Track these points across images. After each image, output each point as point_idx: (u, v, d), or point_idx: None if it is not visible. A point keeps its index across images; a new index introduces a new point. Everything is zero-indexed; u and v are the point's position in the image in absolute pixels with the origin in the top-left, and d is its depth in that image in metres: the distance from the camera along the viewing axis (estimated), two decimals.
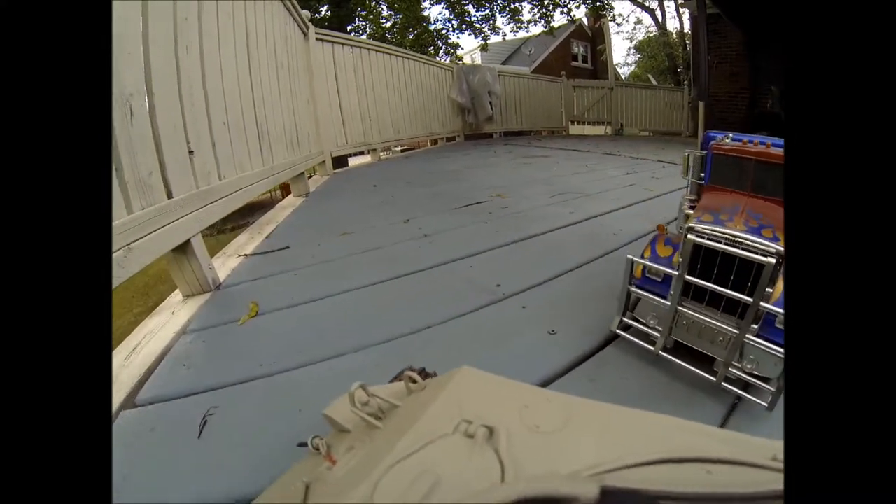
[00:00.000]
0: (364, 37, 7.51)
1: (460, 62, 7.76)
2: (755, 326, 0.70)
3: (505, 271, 1.33)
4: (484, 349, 0.93)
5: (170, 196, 1.14)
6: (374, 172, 3.57)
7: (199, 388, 0.81)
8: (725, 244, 0.70)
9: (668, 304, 0.78)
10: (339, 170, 3.82)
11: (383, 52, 4.50)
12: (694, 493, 0.21)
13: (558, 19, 8.89)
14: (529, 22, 8.96)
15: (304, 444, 0.42)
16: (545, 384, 0.81)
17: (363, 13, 8.04)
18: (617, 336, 0.90)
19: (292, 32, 2.89)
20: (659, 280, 0.83)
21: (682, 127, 7.20)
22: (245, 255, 1.59)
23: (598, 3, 8.65)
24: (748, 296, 0.68)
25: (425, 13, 8.52)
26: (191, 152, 1.30)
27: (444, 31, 8.86)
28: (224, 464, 0.64)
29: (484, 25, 8.77)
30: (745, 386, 0.74)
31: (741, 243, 0.69)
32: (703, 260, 0.73)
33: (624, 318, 0.88)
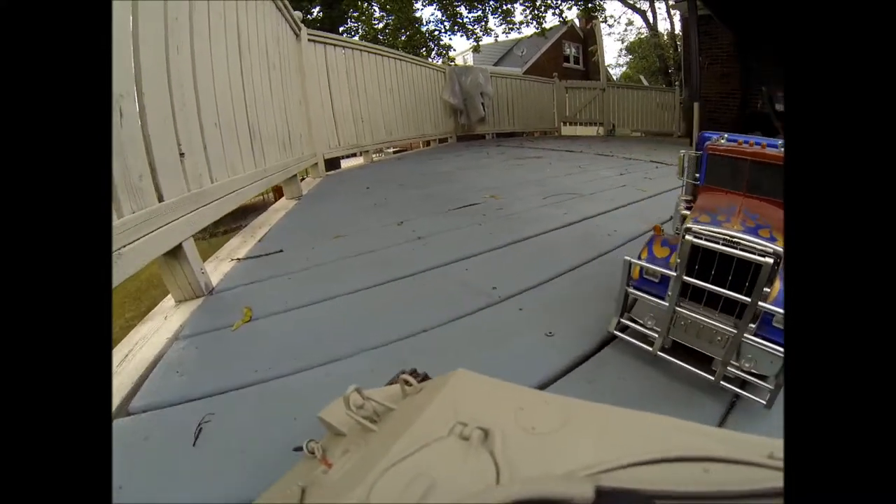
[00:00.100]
0: (356, 38, 7.48)
1: (452, 63, 7.77)
2: (753, 326, 0.71)
3: (500, 273, 1.32)
4: (481, 352, 0.92)
5: (161, 199, 1.12)
6: (367, 174, 3.55)
7: (194, 395, 0.80)
8: (723, 244, 0.70)
9: (666, 304, 0.78)
10: (332, 172, 3.80)
11: (375, 54, 4.49)
12: (690, 492, 0.21)
13: (550, 21, 8.92)
14: (521, 23, 9.00)
15: (299, 449, 0.42)
16: (544, 386, 0.81)
17: (355, 14, 8.02)
18: (615, 337, 0.90)
19: (284, 33, 2.87)
20: (656, 281, 0.83)
21: (674, 127, 7.26)
22: (238, 258, 1.57)
23: (589, 5, 8.70)
24: (746, 295, 0.69)
25: (417, 14, 8.52)
26: (182, 154, 1.28)
27: (436, 33, 8.86)
28: (220, 472, 0.63)
29: (476, 27, 8.78)
30: (743, 384, 0.74)
31: (739, 243, 0.69)
32: (701, 260, 0.73)
33: (621, 320, 0.88)
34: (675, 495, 0.21)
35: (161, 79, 1.21)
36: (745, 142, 0.90)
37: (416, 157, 4.77)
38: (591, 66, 13.90)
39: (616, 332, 0.89)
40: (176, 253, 1.16)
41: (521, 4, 8.66)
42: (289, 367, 0.87)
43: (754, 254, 0.67)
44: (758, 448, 0.24)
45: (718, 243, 0.71)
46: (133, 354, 0.95)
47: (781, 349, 0.68)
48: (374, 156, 4.58)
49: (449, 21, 8.64)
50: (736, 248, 0.69)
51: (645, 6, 13.04)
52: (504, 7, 8.65)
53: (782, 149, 0.85)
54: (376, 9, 8.29)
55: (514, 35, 9.49)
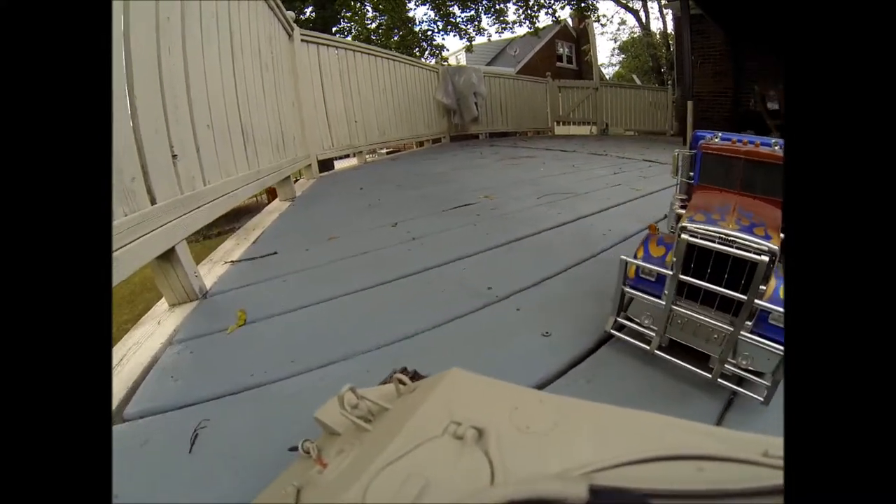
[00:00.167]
0: (349, 38, 7.46)
1: (445, 63, 7.76)
2: (749, 323, 0.71)
3: (496, 274, 1.32)
4: (479, 353, 0.92)
5: (153, 202, 1.11)
6: (361, 175, 3.54)
7: (189, 400, 0.79)
8: (719, 243, 0.71)
9: (663, 303, 0.79)
10: (325, 173, 3.79)
11: (368, 54, 4.47)
12: (684, 490, 0.21)
13: (543, 20, 8.96)
14: (514, 23, 9.03)
15: (294, 449, 0.42)
16: (542, 387, 0.81)
17: (348, 14, 7.99)
18: (611, 336, 0.90)
19: (277, 33, 2.85)
20: (652, 280, 0.83)
21: (667, 126, 7.30)
22: (232, 261, 1.56)
23: (582, 4, 8.73)
24: (741, 293, 0.69)
25: (410, 14, 8.51)
26: (174, 156, 1.27)
27: (429, 33, 8.86)
28: (218, 479, 0.62)
29: (469, 26, 8.79)
30: (739, 381, 0.75)
31: (734, 242, 0.70)
32: (697, 259, 0.74)
33: (618, 319, 0.89)
34: (669, 494, 0.21)
35: (153, 80, 1.20)
36: (739, 140, 0.91)
37: (409, 158, 4.76)
38: (584, 65, 13.97)
39: (613, 332, 0.89)
40: (169, 256, 1.15)
41: (514, 4, 8.70)
42: (285, 370, 0.87)
43: (750, 252, 0.67)
44: (753, 446, 0.23)
45: (714, 242, 0.71)
46: (127, 359, 0.94)
47: (777, 346, 0.69)
48: (367, 157, 4.56)
49: (442, 21, 8.65)
50: (731, 247, 0.69)
51: (637, 5, 13.13)
52: (497, 6, 8.66)
53: (776, 147, 0.85)
54: (369, 9, 8.27)
55: (507, 35, 9.50)
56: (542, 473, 0.25)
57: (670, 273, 0.76)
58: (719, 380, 0.75)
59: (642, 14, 13.46)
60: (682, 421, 0.27)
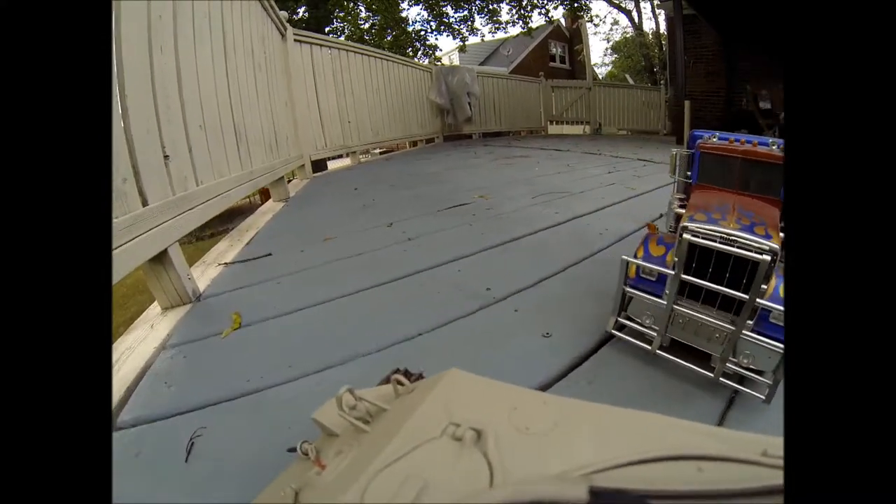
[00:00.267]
0: (342, 38, 7.43)
1: (439, 63, 7.76)
2: (750, 322, 0.71)
3: (493, 274, 1.31)
4: (479, 355, 0.91)
5: (145, 203, 1.09)
6: (354, 176, 3.52)
7: (184, 407, 0.77)
8: (720, 242, 0.71)
9: (664, 303, 0.79)
10: (319, 173, 3.77)
11: (362, 54, 4.46)
12: (684, 491, 0.21)
13: (536, 20, 8.98)
14: (507, 23, 9.03)
15: (293, 450, 0.42)
16: (544, 389, 0.80)
17: (341, 14, 7.96)
18: (612, 336, 0.90)
19: (270, 33, 2.83)
20: (653, 279, 0.83)
21: (660, 126, 7.34)
22: (225, 263, 1.54)
23: (575, 4, 8.76)
24: (742, 292, 0.70)
25: (403, 14, 8.49)
26: (166, 157, 1.24)
27: (422, 33, 8.84)
28: (216, 490, 0.61)
29: (462, 26, 8.79)
30: (740, 380, 0.75)
31: (735, 241, 0.70)
32: (698, 258, 0.74)
33: (619, 319, 0.88)
34: (668, 495, 0.20)
35: (144, 80, 1.18)
36: (737, 140, 0.91)
37: (403, 158, 4.75)
38: (576, 65, 14.02)
39: (614, 332, 0.89)
40: (161, 258, 1.13)
41: (507, 4, 8.71)
42: (282, 375, 0.85)
43: (751, 251, 0.68)
44: (752, 446, 0.23)
45: (715, 241, 0.71)
46: (120, 365, 0.91)
47: (778, 345, 0.70)
48: (361, 157, 4.54)
49: (435, 21, 8.64)
50: (733, 246, 0.69)
51: (630, 6, 13.19)
52: (490, 7, 8.67)
53: (774, 147, 0.86)
54: (362, 9, 8.25)
55: (500, 35, 9.53)
56: (542, 475, 0.25)
57: (672, 273, 0.76)
58: (721, 379, 0.76)
59: (635, 14, 13.54)
60: (681, 421, 0.27)
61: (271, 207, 2.51)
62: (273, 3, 2.80)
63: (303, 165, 3.41)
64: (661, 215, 1.92)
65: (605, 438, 0.27)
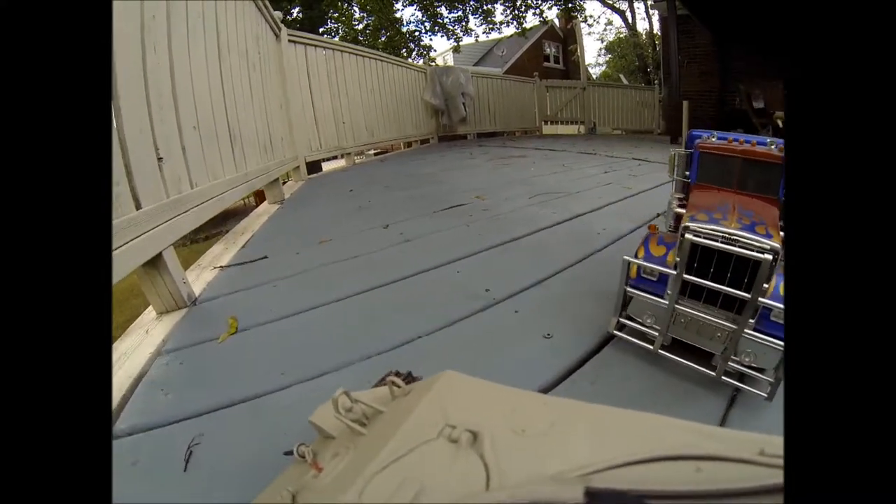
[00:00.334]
0: (336, 39, 7.41)
1: (433, 64, 7.75)
2: (752, 321, 0.72)
3: (492, 275, 1.30)
4: (479, 357, 0.90)
5: (138, 207, 1.07)
6: (350, 177, 3.50)
7: (181, 415, 0.75)
8: (722, 242, 0.71)
9: (666, 302, 0.79)
10: (314, 175, 3.75)
11: (356, 54, 4.44)
12: (681, 491, 0.20)
13: (530, 20, 8.99)
14: (502, 23, 9.06)
15: (289, 453, 0.42)
16: (546, 391, 0.79)
17: (335, 15, 7.94)
18: (613, 336, 0.90)
19: (264, 33, 2.81)
20: (654, 279, 0.84)
21: (654, 125, 7.38)
22: (221, 266, 1.52)
23: (569, 5, 8.79)
24: (744, 291, 0.70)
25: (397, 15, 8.48)
26: (160, 159, 1.23)
27: (416, 33, 8.84)
28: (215, 498, 0.59)
29: (456, 27, 8.80)
30: (741, 378, 0.76)
31: (737, 241, 0.70)
32: (699, 258, 0.74)
33: (620, 319, 0.88)
34: (666, 495, 0.20)
35: (137, 80, 1.16)
36: (735, 140, 0.92)
37: (398, 159, 4.74)
38: (570, 65, 14.05)
39: (616, 332, 0.89)
40: (156, 262, 1.11)
41: (501, 4, 8.72)
42: (280, 381, 0.84)
43: (753, 251, 0.68)
44: (749, 445, 0.23)
45: (717, 241, 0.71)
46: (115, 372, 0.90)
47: (779, 343, 0.70)
48: (355, 158, 4.53)
49: (429, 21, 8.64)
50: (735, 246, 0.70)
51: (624, 6, 13.23)
52: (484, 7, 8.68)
53: (772, 147, 0.87)
54: (356, 10, 8.23)
55: (494, 35, 9.54)
56: (538, 476, 0.25)
57: (674, 273, 0.77)
58: (723, 377, 0.76)
59: (629, 14, 13.59)
60: (678, 421, 0.27)
61: (266, 209, 2.49)
62: (267, 4, 2.78)
63: (297, 167, 3.39)
64: (658, 214, 1.92)
65: (602, 439, 0.27)
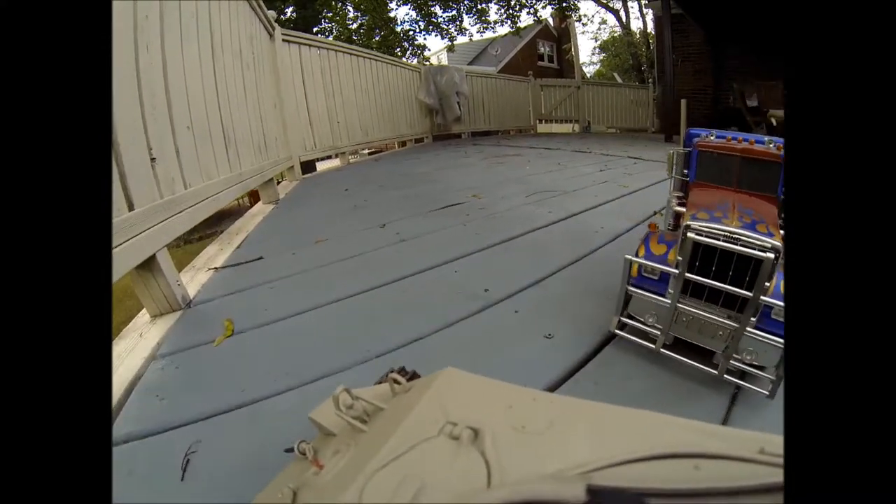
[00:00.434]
0: (330, 38, 7.38)
1: (427, 63, 7.73)
2: (753, 319, 0.72)
3: (491, 275, 1.29)
4: (481, 358, 0.90)
5: (131, 208, 1.05)
6: (344, 176, 3.48)
7: (177, 421, 0.74)
8: (724, 241, 0.71)
9: (668, 301, 0.79)
10: (308, 175, 3.72)
11: (350, 54, 4.42)
12: (681, 489, 0.21)
13: (524, 20, 9.00)
14: (496, 22, 9.04)
15: (290, 450, 0.42)
16: (549, 391, 0.78)
17: (329, 14, 7.90)
18: (614, 336, 0.90)
19: (258, 33, 2.78)
20: (655, 278, 0.84)
21: (648, 123, 7.41)
22: (216, 267, 1.50)
23: (563, 4, 8.79)
24: (746, 290, 0.70)
25: (392, 14, 8.46)
26: (153, 159, 1.20)
27: (410, 33, 8.82)
28: None
29: (450, 26, 8.78)
30: (742, 376, 0.76)
31: (739, 240, 0.70)
32: (701, 257, 0.74)
33: (621, 318, 0.88)
34: (666, 493, 0.20)
35: (130, 79, 1.14)
36: (734, 138, 0.93)
37: (392, 158, 4.72)
38: (564, 64, 14.09)
39: (618, 332, 0.89)
40: (149, 264, 1.09)
41: (495, 4, 8.72)
42: (279, 384, 0.82)
43: (755, 249, 0.68)
44: (749, 443, 0.23)
45: (719, 240, 0.71)
46: None
47: (781, 341, 0.70)
48: (350, 158, 4.51)
49: (423, 20, 8.62)
50: (737, 244, 0.70)
51: (618, 5, 13.32)
52: (479, 6, 8.67)
53: (770, 145, 0.88)
54: (350, 9, 8.20)
55: (488, 34, 9.54)
56: (539, 474, 0.25)
57: (676, 272, 0.77)
58: (725, 375, 0.76)
59: (622, 13, 13.66)
60: (678, 419, 0.27)
61: (261, 209, 2.47)
62: (261, 3, 2.75)
63: (292, 167, 3.37)
64: (655, 212, 1.92)
65: (603, 437, 0.27)
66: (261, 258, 1.57)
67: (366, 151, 5.59)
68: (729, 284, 0.72)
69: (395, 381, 0.42)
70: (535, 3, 8.74)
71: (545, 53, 14.63)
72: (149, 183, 1.17)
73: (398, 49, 8.53)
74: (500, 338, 0.96)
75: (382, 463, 0.28)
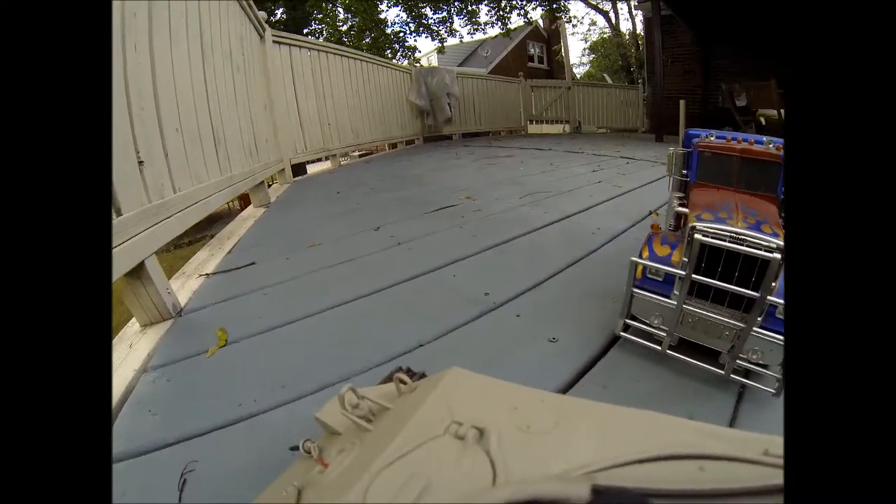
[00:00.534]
0: (321, 40, 7.33)
1: (418, 65, 7.72)
2: (759, 319, 0.72)
3: (490, 278, 1.28)
4: (485, 364, 0.88)
5: (118, 213, 1.01)
6: (336, 179, 3.45)
7: (171, 438, 0.70)
8: (730, 242, 0.71)
9: (674, 303, 0.79)
10: (299, 177, 3.68)
11: (341, 55, 4.38)
12: (686, 490, 0.21)
13: (515, 21, 9.02)
14: (486, 24, 9.07)
15: (295, 448, 0.42)
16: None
17: (319, 16, 7.85)
18: (617, 338, 0.89)
19: (248, 34, 2.74)
20: (660, 280, 0.84)
21: (638, 123, 7.47)
22: (207, 274, 1.46)
23: (554, 6, 8.83)
24: (752, 290, 0.71)
25: (382, 16, 8.43)
26: (141, 163, 1.16)
27: (401, 34, 8.80)
28: None
29: (441, 28, 8.77)
30: (746, 374, 0.77)
31: (745, 240, 0.70)
32: (707, 257, 0.74)
33: (626, 320, 0.88)
34: (670, 493, 0.21)
35: (117, 79, 1.10)
36: (734, 139, 0.93)
37: (384, 160, 4.68)
38: (554, 65, 14.17)
39: (624, 334, 0.88)
40: (138, 271, 1.05)
41: (486, 5, 8.72)
42: (276, 397, 0.79)
43: (761, 250, 0.68)
44: (753, 445, 0.23)
45: (726, 241, 0.71)
46: None
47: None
48: (341, 160, 4.47)
49: (414, 22, 8.60)
50: (743, 245, 0.70)
51: (607, 7, 13.40)
52: (469, 8, 8.67)
53: (769, 145, 0.88)
54: (341, 10, 8.16)
55: (478, 36, 9.55)
56: (544, 473, 0.25)
57: (682, 273, 0.77)
58: (731, 375, 0.77)
59: (612, 15, 13.76)
60: (683, 420, 0.27)
61: (252, 213, 2.42)
62: (251, 3, 2.71)
63: (283, 169, 3.32)
64: (651, 212, 1.92)
65: (607, 437, 0.28)
66: (253, 264, 1.53)
67: (356, 153, 5.55)
68: (734, 285, 0.72)
69: (401, 381, 0.42)
70: (526, 5, 8.78)
71: (535, 55, 14.69)
72: (136, 187, 1.13)
73: (388, 50, 8.50)
74: (504, 343, 0.94)
75: (388, 462, 0.28)
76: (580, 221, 1.84)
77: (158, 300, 1.10)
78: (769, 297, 0.69)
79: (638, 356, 0.87)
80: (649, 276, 0.84)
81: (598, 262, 1.37)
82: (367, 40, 8.22)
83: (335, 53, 4.28)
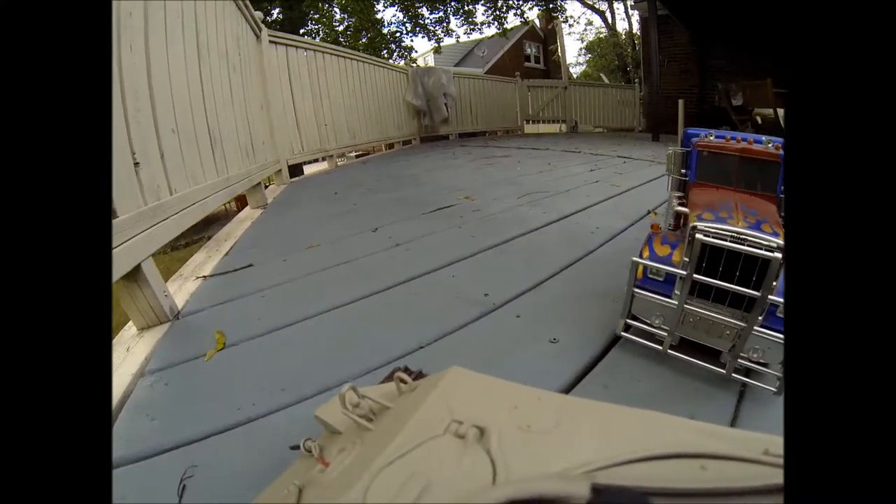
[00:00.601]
0: (317, 40, 7.31)
1: (414, 65, 7.71)
2: (761, 318, 0.73)
3: (489, 279, 1.27)
4: (486, 365, 0.87)
5: (114, 215, 1.00)
6: (333, 180, 3.44)
7: (170, 443, 0.69)
8: (731, 241, 0.71)
9: (675, 303, 0.79)
10: (296, 178, 3.67)
11: (337, 56, 4.37)
12: (687, 489, 0.21)
13: (511, 21, 9.03)
14: (483, 24, 9.06)
15: (296, 447, 0.42)
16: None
17: (316, 16, 7.84)
18: (618, 338, 0.89)
19: (244, 34, 2.72)
20: (661, 279, 0.84)
21: (635, 123, 7.49)
22: (204, 276, 1.45)
23: (550, 6, 8.84)
24: (753, 289, 0.71)
25: (378, 16, 8.42)
26: (136, 164, 1.15)
27: (397, 34, 8.79)
28: None
29: (437, 28, 8.77)
30: (747, 373, 0.77)
31: (746, 240, 0.70)
32: (708, 257, 0.74)
33: (627, 321, 0.88)
34: (671, 492, 0.20)
35: (113, 80, 1.09)
36: (733, 138, 0.93)
37: (381, 161, 4.67)
38: (551, 65, 14.21)
39: (624, 334, 0.88)
40: (134, 274, 1.04)
41: (482, 5, 8.72)
42: (276, 401, 0.78)
43: (762, 249, 0.68)
44: (754, 444, 0.24)
45: (727, 240, 0.71)
46: None
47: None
48: (338, 161, 4.46)
49: (410, 22, 8.59)
50: (744, 245, 0.70)
51: (604, 6, 13.48)
52: (465, 8, 8.66)
53: (768, 144, 0.88)
54: (337, 10, 8.14)
55: (475, 36, 9.55)
56: (545, 472, 0.25)
57: (684, 273, 0.77)
58: (733, 374, 0.77)
59: (608, 15, 13.82)
60: (683, 419, 0.28)
61: (249, 214, 2.41)
62: (248, 3, 2.70)
63: (279, 170, 3.31)
64: (649, 212, 1.92)
65: (608, 436, 0.28)
66: (251, 265, 1.52)
67: (353, 154, 5.54)
68: (735, 284, 0.72)
69: (402, 380, 0.42)
70: (522, 5, 8.78)
71: (532, 54, 14.72)
72: (132, 189, 1.12)
73: (385, 51, 8.49)
74: (505, 344, 0.94)
75: (388, 461, 0.28)
76: (579, 221, 1.84)
77: (155, 303, 1.09)
78: (772, 297, 0.69)
79: (639, 356, 0.87)
80: (650, 276, 0.83)
81: (597, 262, 1.37)
82: (364, 40, 8.20)
83: (332, 54, 4.27)
